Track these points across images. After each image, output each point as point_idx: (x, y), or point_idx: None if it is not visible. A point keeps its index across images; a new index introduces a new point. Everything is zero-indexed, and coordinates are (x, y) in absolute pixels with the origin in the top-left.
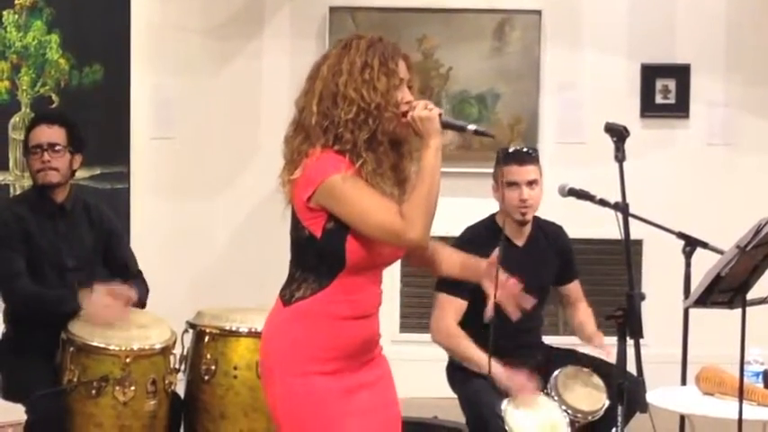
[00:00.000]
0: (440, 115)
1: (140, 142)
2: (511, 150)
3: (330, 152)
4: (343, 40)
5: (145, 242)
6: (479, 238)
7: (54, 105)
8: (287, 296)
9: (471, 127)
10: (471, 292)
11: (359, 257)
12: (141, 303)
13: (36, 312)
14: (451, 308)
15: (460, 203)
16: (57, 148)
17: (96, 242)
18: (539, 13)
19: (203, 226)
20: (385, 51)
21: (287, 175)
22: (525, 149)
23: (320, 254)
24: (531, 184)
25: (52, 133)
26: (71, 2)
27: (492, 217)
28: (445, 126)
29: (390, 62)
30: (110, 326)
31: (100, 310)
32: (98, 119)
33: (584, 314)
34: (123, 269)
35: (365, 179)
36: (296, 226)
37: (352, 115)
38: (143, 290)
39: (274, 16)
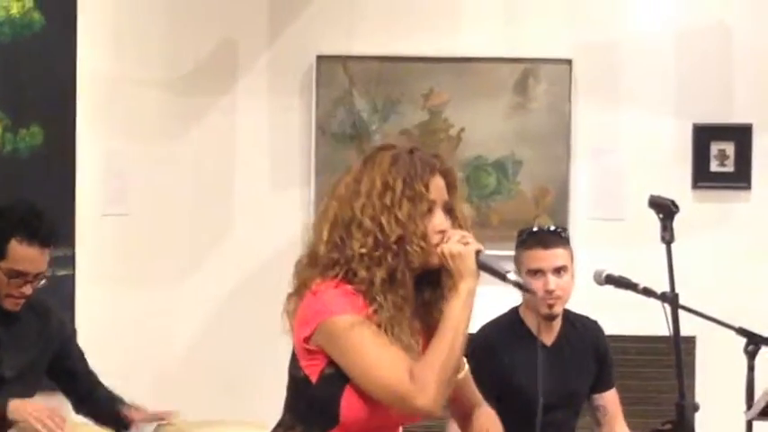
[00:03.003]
0: (477, 252)
1: (88, 220)
2: (534, 230)
3: (341, 287)
4: (368, 152)
5: (92, 341)
6: (502, 339)
7: None
8: None
9: (512, 277)
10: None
11: (355, 416)
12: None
13: None
14: None
15: (477, 293)
16: (41, 276)
17: (43, 352)
18: (569, 62)
19: (164, 321)
20: (412, 169)
21: (291, 306)
22: (552, 229)
23: (312, 402)
24: (558, 271)
25: (44, 261)
26: (4, 50)
27: (515, 310)
28: (482, 267)
29: (417, 183)
30: None
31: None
32: (37, 192)
33: None
34: (80, 383)
35: (380, 326)
36: (293, 362)
37: (368, 249)
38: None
39: (250, 67)
